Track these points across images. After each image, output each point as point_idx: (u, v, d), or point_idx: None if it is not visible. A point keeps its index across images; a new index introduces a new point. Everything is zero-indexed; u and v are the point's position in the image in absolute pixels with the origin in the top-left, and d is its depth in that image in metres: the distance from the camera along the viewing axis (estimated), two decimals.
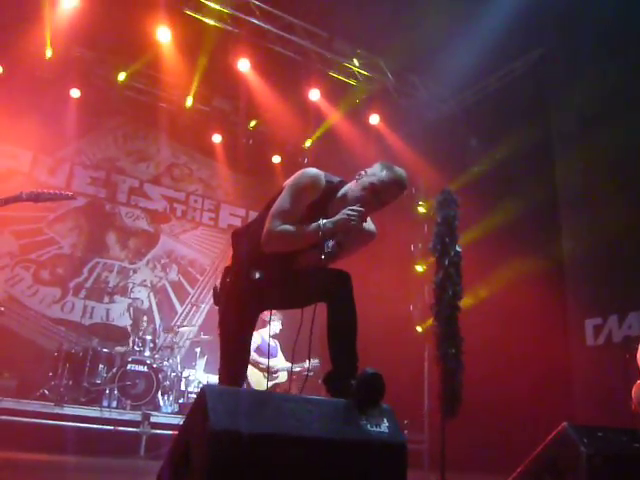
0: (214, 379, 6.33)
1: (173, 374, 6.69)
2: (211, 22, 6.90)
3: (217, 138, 9.15)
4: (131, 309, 7.61)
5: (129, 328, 6.91)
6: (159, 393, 6.28)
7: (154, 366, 6.30)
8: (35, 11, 6.76)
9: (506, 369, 5.80)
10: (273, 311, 5.25)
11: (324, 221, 2.37)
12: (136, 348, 6.48)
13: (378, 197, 2.47)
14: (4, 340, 6.75)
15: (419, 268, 7.89)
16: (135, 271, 8.48)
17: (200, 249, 9.23)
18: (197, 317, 8.47)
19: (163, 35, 7.01)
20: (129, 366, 6.14)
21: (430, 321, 4.75)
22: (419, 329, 7.49)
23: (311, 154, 9.59)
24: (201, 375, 6.95)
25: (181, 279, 8.88)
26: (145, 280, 8.48)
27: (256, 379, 5.76)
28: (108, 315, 7.90)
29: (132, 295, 8.04)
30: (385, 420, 2.03)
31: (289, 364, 5.94)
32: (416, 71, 7.78)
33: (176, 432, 2.17)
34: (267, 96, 7.91)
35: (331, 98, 8.08)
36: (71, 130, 8.13)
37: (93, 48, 7.76)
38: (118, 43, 7.40)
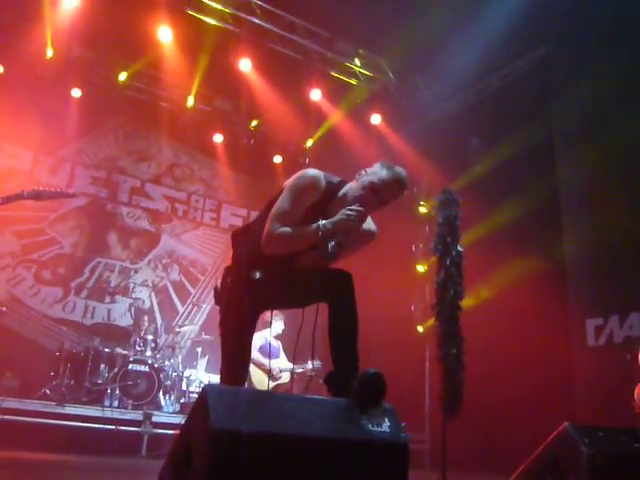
0: (215, 379, 6.33)
1: (174, 374, 6.70)
2: (212, 22, 6.90)
3: (218, 138, 9.15)
4: (132, 309, 7.62)
5: (130, 328, 6.93)
6: (160, 393, 6.29)
7: (155, 366, 6.31)
8: (36, 11, 6.77)
9: (507, 369, 5.79)
10: (275, 311, 5.23)
11: (324, 222, 2.37)
12: (137, 348, 6.48)
13: (378, 196, 2.47)
14: (6, 340, 6.76)
15: (420, 268, 7.88)
16: (136, 271, 8.49)
17: (201, 249, 9.24)
18: (198, 317, 8.47)
19: (164, 35, 7.01)
20: (130, 366, 6.15)
21: (431, 321, 4.73)
22: (420, 329, 7.49)
23: (312, 154, 9.58)
24: (202, 375, 6.96)
25: (182, 279, 8.88)
26: (146, 280, 8.48)
27: (258, 380, 5.75)
28: (109, 315, 7.91)
29: (133, 295, 8.05)
30: (386, 420, 2.03)
31: (292, 365, 5.94)
32: (418, 70, 7.76)
33: (177, 432, 2.17)
34: (268, 96, 7.91)
35: (332, 98, 8.08)
36: (72, 130, 8.14)
37: (94, 48, 7.75)
38: (119, 43, 7.41)
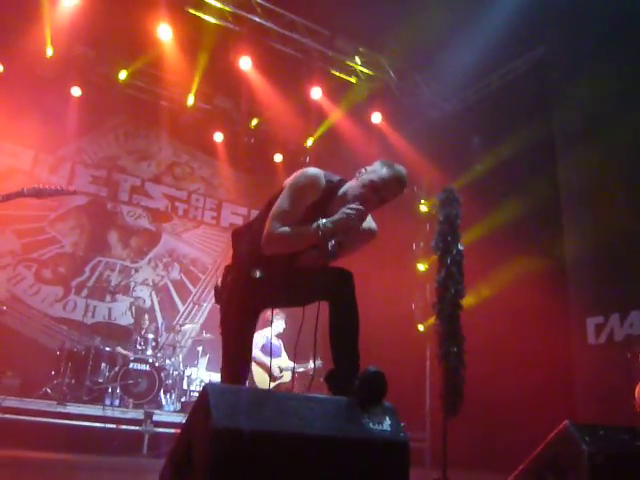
0: (216, 377, 6.34)
1: (175, 372, 6.70)
2: (212, 20, 6.90)
3: (219, 136, 9.15)
4: (133, 308, 7.63)
5: (131, 327, 6.93)
6: (161, 392, 6.29)
7: (156, 365, 6.31)
8: (36, 10, 6.77)
9: (508, 368, 5.79)
10: (276, 310, 5.24)
11: (324, 221, 2.37)
12: (138, 347, 6.49)
13: (378, 194, 2.47)
14: (7, 339, 6.76)
15: (421, 267, 7.88)
16: (137, 270, 8.50)
17: (202, 248, 9.24)
18: (199, 316, 8.48)
19: (164, 33, 7.01)
20: (131, 365, 6.15)
21: (432, 320, 4.74)
22: (421, 328, 7.49)
23: (313, 153, 9.57)
24: (203, 373, 6.97)
25: (183, 278, 8.89)
26: (147, 279, 8.49)
27: (260, 379, 5.75)
28: (110, 314, 7.92)
29: (134, 294, 8.06)
30: (387, 418, 2.03)
31: (293, 364, 5.94)
32: (418, 69, 7.76)
33: (178, 430, 2.17)
34: (269, 94, 7.91)
35: (333, 96, 8.07)
36: (72, 129, 8.14)
37: (94, 46, 7.75)
38: (119, 41, 7.41)
